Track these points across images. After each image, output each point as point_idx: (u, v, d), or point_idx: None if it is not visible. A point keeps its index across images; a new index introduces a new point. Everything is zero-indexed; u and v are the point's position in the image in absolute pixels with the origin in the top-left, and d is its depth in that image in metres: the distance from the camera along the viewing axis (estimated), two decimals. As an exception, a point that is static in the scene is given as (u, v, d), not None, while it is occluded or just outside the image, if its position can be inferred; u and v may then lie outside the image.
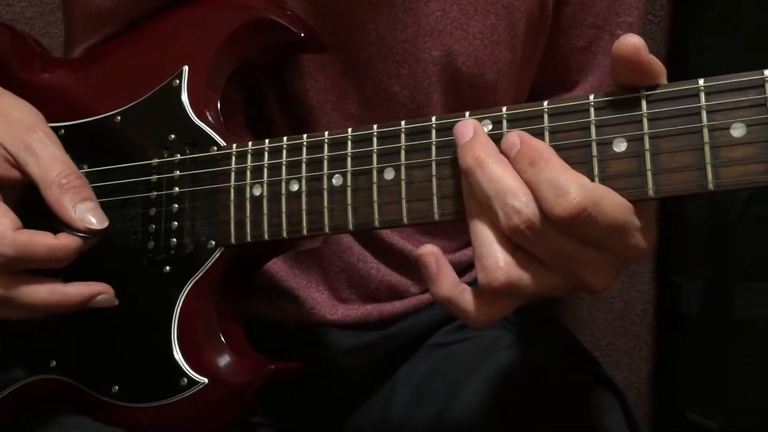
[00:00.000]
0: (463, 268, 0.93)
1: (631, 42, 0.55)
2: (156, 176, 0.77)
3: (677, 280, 1.35)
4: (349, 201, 0.67)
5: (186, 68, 0.78)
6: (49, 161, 0.73)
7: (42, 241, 0.71)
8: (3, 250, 0.69)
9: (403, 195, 0.65)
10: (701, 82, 0.55)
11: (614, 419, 0.83)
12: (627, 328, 1.50)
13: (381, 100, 0.82)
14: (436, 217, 0.63)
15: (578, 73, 0.89)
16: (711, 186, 0.54)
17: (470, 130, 0.60)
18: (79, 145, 0.81)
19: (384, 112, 0.82)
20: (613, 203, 0.56)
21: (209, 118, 0.76)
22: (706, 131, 0.55)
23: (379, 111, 0.82)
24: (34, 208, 0.73)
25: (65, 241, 0.71)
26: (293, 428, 0.93)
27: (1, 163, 0.73)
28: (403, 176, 0.65)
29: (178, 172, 0.76)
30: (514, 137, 0.59)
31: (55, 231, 0.72)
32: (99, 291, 0.73)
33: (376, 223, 0.66)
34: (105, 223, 0.73)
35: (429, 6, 0.79)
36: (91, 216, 0.73)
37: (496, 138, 0.61)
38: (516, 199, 0.56)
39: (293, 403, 0.90)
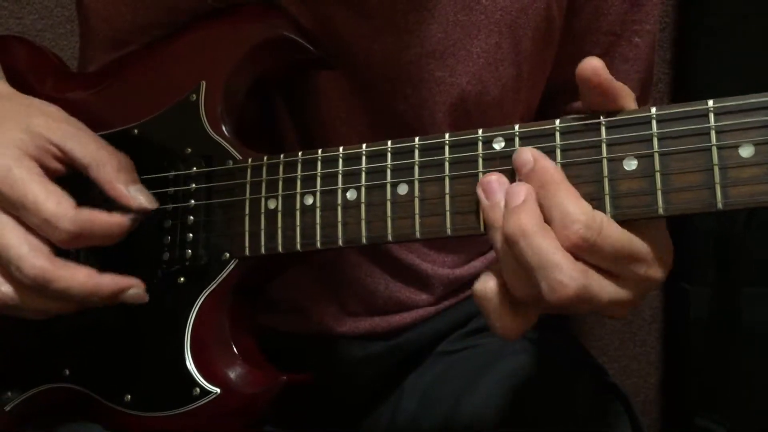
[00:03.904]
0: (470, 281, 0.94)
1: (591, 65, 0.58)
2: (172, 189, 0.78)
3: (685, 286, 1.36)
4: (363, 215, 0.68)
5: (203, 83, 0.79)
6: (96, 145, 0.75)
7: (100, 218, 0.72)
8: (67, 226, 0.70)
9: (416, 210, 0.65)
10: (710, 103, 0.56)
11: (620, 426, 0.84)
12: (635, 333, 1.51)
13: (387, 118, 0.83)
14: (449, 232, 0.64)
15: None
16: (720, 205, 0.55)
17: (522, 193, 0.59)
18: None
19: (390, 130, 0.82)
20: (617, 232, 0.58)
21: (225, 132, 0.77)
22: (715, 151, 0.56)
23: (385, 129, 0.83)
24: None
25: (118, 218, 0.74)
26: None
27: (43, 153, 0.74)
28: (416, 192, 0.66)
29: (194, 185, 0.77)
30: (527, 155, 0.60)
31: None
32: (131, 284, 0.74)
33: (389, 238, 0.67)
34: (156, 204, 0.76)
35: (431, 28, 0.80)
36: (142, 197, 0.75)
37: (507, 155, 0.62)
38: (561, 273, 0.57)
39: (303, 412, 0.91)
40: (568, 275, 0.56)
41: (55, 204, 0.71)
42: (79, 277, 0.72)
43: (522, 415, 0.82)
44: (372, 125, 0.83)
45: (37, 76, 0.89)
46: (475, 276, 0.92)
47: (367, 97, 0.83)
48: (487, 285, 0.61)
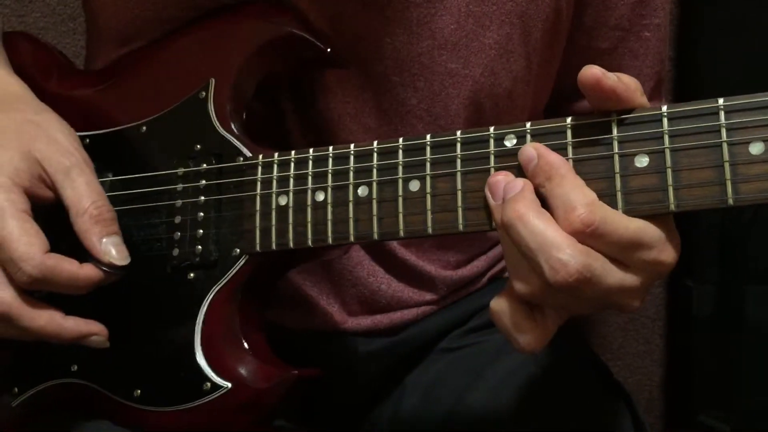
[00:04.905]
0: (473, 279, 0.95)
1: (591, 72, 0.58)
2: (182, 185, 0.78)
3: (688, 284, 1.36)
4: (375, 211, 0.68)
5: (213, 80, 0.79)
6: (84, 189, 0.75)
7: (67, 268, 0.72)
8: (30, 270, 0.71)
9: (428, 206, 0.66)
10: (721, 101, 0.57)
11: (622, 424, 0.84)
12: (638, 331, 1.51)
13: (398, 112, 0.83)
14: (461, 228, 0.64)
15: None
16: (731, 201, 0.56)
17: (519, 184, 0.60)
18: (103, 154, 0.82)
19: (401, 125, 0.83)
20: (621, 218, 0.58)
21: (234, 129, 0.77)
22: (725, 148, 0.56)
23: (396, 124, 0.83)
24: (59, 226, 0.75)
25: (88, 272, 0.73)
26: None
27: (36, 182, 0.74)
28: (428, 188, 0.66)
29: (204, 181, 0.77)
30: (531, 151, 0.61)
31: (78, 254, 0.74)
32: (94, 332, 0.75)
33: (401, 234, 0.67)
34: (126, 261, 0.75)
35: (443, 19, 0.80)
36: (114, 251, 0.74)
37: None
38: (561, 252, 0.57)
39: (309, 408, 0.91)
40: (567, 254, 0.56)
41: (25, 245, 0.71)
42: (40, 320, 0.73)
43: (523, 413, 0.82)
44: (381, 121, 0.84)
45: (44, 73, 0.89)
46: (478, 275, 0.95)
47: (377, 92, 0.83)
48: (501, 299, 0.62)
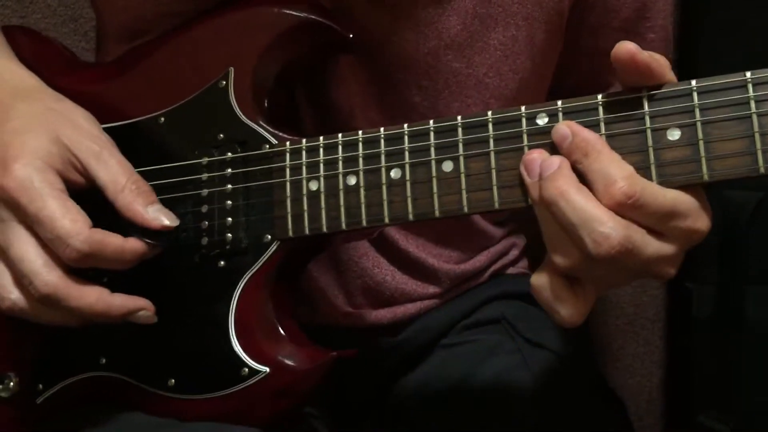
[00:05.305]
0: (475, 274, 0.96)
1: (625, 48, 0.60)
2: (207, 174, 0.79)
3: (688, 285, 1.37)
4: (409, 193, 0.70)
5: (232, 69, 0.79)
6: (117, 168, 0.76)
7: (113, 241, 0.73)
8: (79, 245, 0.71)
9: (463, 186, 0.67)
10: (748, 74, 0.59)
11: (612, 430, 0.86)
12: (638, 332, 1.52)
13: (402, 109, 0.84)
14: (497, 205, 0.66)
15: (611, 74, 0.91)
16: (762, 170, 0.58)
17: (556, 161, 0.62)
18: (120, 147, 0.81)
19: (404, 122, 0.84)
20: (659, 189, 0.60)
21: (257, 117, 0.78)
22: (755, 119, 0.58)
23: (399, 120, 0.83)
24: (90, 212, 0.75)
25: (133, 244, 0.74)
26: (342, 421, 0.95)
27: (68, 166, 0.75)
28: (462, 168, 0.68)
29: (230, 170, 0.78)
30: (565, 129, 0.63)
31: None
32: (141, 306, 0.75)
33: (437, 214, 0.69)
34: (177, 222, 0.76)
35: (450, 20, 0.81)
36: (163, 215, 0.76)
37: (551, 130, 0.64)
38: (603, 225, 0.59)
39: (341, 395, 0.92)
40: (609, 227, 0.59)
41: (69, 222, 0.72)
42: (89, 298, 0.73)
43: (512, 414, 0.84)
44: (384, 116, 0.85)
45: (50, 68, 0.88)
46: (480, 270, 0.96)
47: (381, 87, 0.84)
48: (540, 274, 0.64)
